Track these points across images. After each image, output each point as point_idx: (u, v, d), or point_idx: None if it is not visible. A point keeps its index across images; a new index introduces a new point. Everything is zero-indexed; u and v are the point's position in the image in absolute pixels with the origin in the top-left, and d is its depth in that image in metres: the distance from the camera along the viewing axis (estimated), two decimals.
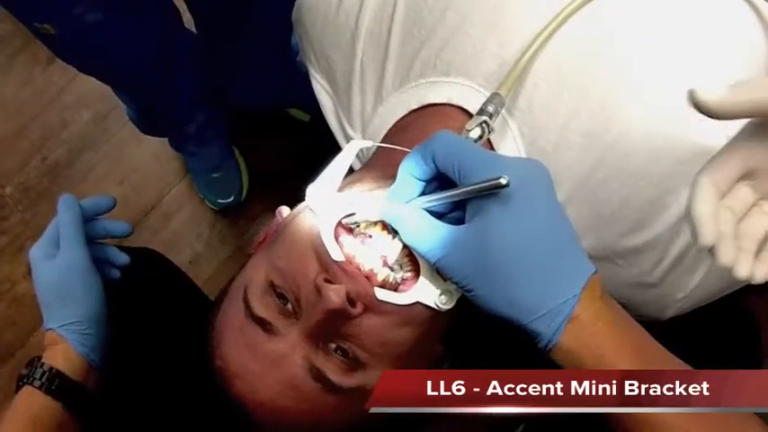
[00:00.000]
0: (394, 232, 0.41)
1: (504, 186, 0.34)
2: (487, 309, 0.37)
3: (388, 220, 0.41)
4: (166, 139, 1.27)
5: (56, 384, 0.53)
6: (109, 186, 1.32)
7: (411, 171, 0.39)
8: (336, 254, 0.41)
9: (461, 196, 0.37)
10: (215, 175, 1.27)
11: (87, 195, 0.61)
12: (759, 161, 0.35)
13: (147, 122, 1.15)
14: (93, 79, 1.39)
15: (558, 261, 0.36)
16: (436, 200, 0.39)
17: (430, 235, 0.38)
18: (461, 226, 0.37)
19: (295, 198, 0.51)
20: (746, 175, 0.36)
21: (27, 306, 1.28)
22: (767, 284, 0.54)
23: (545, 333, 0.36)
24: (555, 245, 0.36)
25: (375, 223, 0.42)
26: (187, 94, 1.06)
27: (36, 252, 0.58)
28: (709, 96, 0.33)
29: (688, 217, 0.35)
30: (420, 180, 0.40)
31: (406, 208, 0.40)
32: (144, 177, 1.34)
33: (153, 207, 1.32)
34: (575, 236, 0.37)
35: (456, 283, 0.38)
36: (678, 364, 0.37)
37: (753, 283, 0.36)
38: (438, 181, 0.40)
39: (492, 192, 0.35)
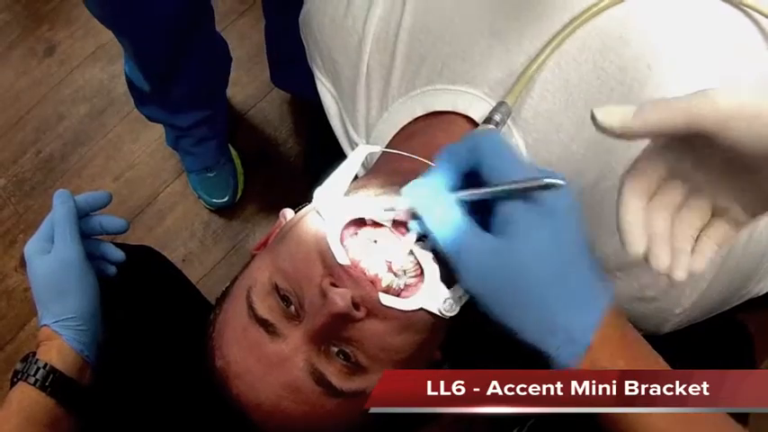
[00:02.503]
0: (405, 230, 0.41)
1: (556, 187, 0.33)
2: (495, 318, 0.36)
3: (418, 208, 0.39)
4: (163, 136, 1.27)
5: (50, 381, 0.53)
6: (104, 182, 1.32)
7: (449, 163, 0.38)
8: (342, 257, 0.41)
9: (503, 193, 0.36)
10: (210, 174, 1.27)
11: (82, 190, 0.61)
12: (682, 162, 0.35)
13: (152, 87, 1.09)
14: (91, 73, 1.40)
15: (583, 287, 0.36)
16: (468, 195, 0.37)
17: (458, 230, 0.37)
18: (491, 234, 0.36)
19: (289, 200, 0.51)
20: (674, 174, 0.36)
21: (18, 300, 1.26)
22: (759, 300, 0.56)
23: (559, 360, 0.35)
24: (582, 268, 0.36)
25: (381, 227, 0.42)
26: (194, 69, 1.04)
27: (31, 247, 0.57)
28: (611, 119, 0.32)
29: (617, 225, 0.35)
30: (453, 174, 0.38)
31: (439, 198, 0.38)
32: (139, 174, 1.33)
33: (147, 204, 1.31)
34: (595, 262, 0.37)
35: (467, 287, 0.37)
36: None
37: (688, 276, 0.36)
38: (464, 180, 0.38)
39: (541, 189, 0.34)
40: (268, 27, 1.11)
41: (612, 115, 0.33)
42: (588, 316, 0.35)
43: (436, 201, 0.38)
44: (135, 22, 0.90)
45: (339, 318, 0.40)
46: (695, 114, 0.32)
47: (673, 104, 0.32)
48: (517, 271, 0.35)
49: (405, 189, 0.40)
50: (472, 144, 0.37)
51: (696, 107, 0.31)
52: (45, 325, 0.55)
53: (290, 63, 1.08)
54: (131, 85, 1.10)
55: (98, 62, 1.39)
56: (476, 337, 0.47)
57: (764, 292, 0.55)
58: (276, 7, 1.05)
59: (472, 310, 0.39)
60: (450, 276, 0.43)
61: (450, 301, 0.41)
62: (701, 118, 0.32)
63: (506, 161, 0.36)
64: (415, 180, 0.39)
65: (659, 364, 0.37)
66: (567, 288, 0.35)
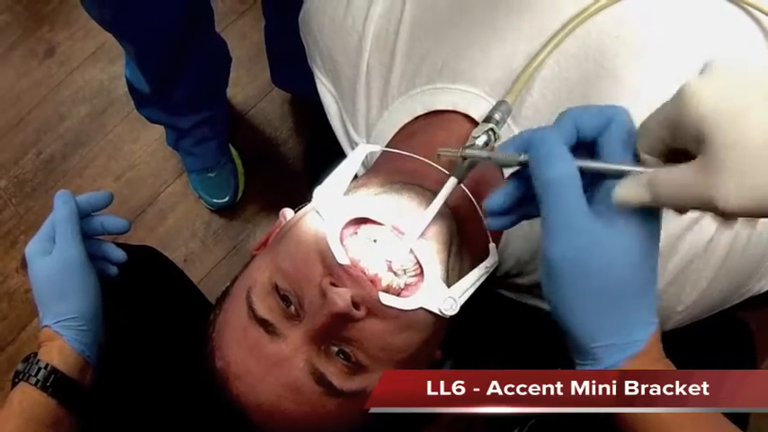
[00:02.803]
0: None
1: None
2: (551, 296, 0.35)
3: (536, 162, 0.34)
4: (163, 136, 1.27)
5: (51, 381, 0.53)
6: (105, 182, 1.32)
7: (572, 124, 0.35)
8: (342, 257, 0.41)
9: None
10: (211, 174, 1.27)
11: (83, 191, 0.61)
12: None
13: (152, 89, 1.08)
14: (91, 74, 1.40)
15: (651, 299, 0.35)
16: (595, 166, 0.34)
17: (571, 199, 0.33)
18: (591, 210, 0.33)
19: (290, 200, 0.51)
20: None
21: (19, 301, 1.27)
22: (760, 298, 0.56)
23: (597, 360, 0.35)
24: (656, 279, 0.36)
25: (382, 226, 0.42)
26: (195, 72, 1.04)
27: (32, 247, 0.57)
28: (630, 199, 0.32)
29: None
30: (573, 139, 0.35)
31: (561, 159, 0.33)
32: (140, 174, 1.33)
33: (149, 204, 1.32)
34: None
35: (548, 259, 0.34)
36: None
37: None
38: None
39: None
40: (268, 27, 1.11)
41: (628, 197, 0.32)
42: (645, 329, 0.35)
43: (557, 161, 0.33)
44: (134, 25, 0.90)
45: (339, 317, 0.40)
46: (707, 201, 0.30)
47: (684, 189, 0.30)
48: (607, 261, 0.33)
49: (523, 133, 0.36)
50: (607, 116, 0.34)
51: (709, 197, 0.29)
52: (46, 326, 0.55)
53: (290, 63, 1.08)
54: (131, 87, 1.11)
55: (98, 63, 1.39)
56: (477, 336, 0.47)
57: (765, 290, 0.55)
58: (276, 7, 1.05)
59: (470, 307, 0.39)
60: (449, 275, 0.43)
61: (451, 299, 0.41)
62: (713, 204, 0.30)
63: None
64: (533, 131, 0.36)
65: None
66: (644, 296, 0.35)
